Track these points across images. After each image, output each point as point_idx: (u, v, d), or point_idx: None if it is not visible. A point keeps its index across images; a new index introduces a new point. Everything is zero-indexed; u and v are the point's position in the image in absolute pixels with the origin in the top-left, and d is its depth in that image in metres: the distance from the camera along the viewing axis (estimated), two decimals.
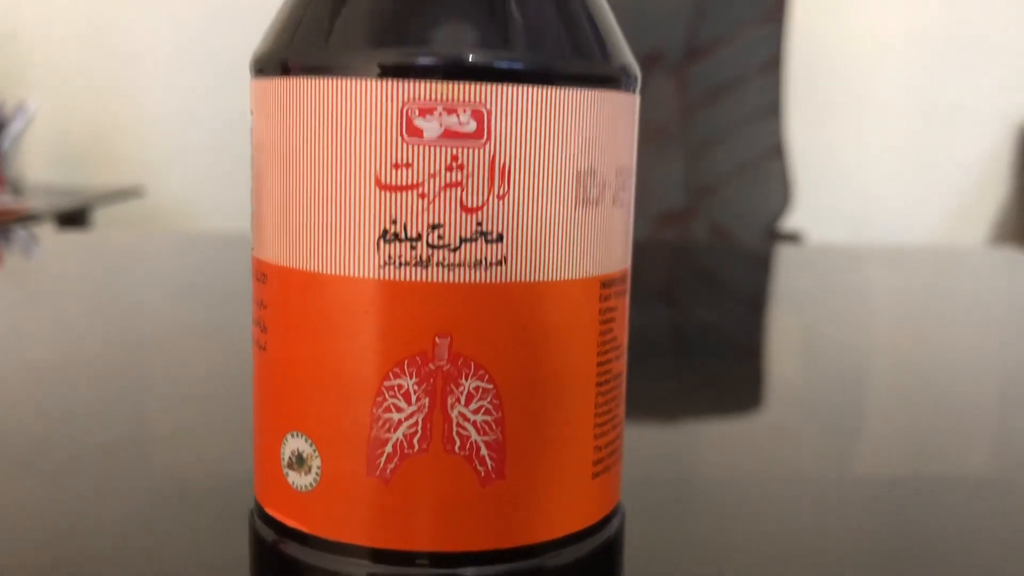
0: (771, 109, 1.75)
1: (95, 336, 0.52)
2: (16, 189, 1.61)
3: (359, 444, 0.20)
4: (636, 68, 0.22)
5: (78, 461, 0.34)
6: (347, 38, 0.19)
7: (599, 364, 0.21)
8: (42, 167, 1.90)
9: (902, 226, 2.26)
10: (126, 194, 1.84)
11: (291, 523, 0.21)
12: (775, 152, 1.73)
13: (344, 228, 0.19)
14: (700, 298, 0.77)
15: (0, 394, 0.41)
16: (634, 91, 0.22)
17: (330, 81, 0.19)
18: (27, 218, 1.53)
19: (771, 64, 1.76)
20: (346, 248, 0.19)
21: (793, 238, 1.83)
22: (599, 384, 0.21)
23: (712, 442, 0.40)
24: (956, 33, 2.25)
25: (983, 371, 0.55)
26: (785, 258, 1.07)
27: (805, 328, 0.65)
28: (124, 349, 0.49)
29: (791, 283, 0.85)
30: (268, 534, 0.22)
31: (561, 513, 0.21)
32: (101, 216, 1.85)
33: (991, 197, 2.33)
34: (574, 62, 0.20)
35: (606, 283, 0.21)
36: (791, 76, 1.80)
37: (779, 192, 1.75)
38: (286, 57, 0.20)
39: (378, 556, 0.20)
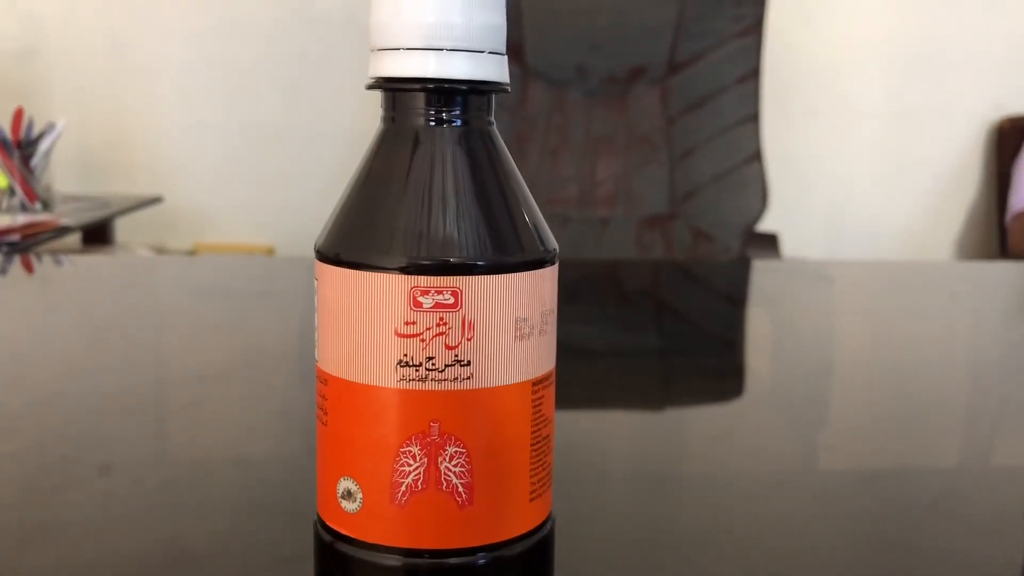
0: (749, 117, 1.85)
1: (142, 355, 0.65)
2: (46, 204, 1.73)
3: (386, 485, 0.33)
4: (554, 245, 0.35)
5: (175, 481, 0.47)
6: (377, 246, 0.32)
7: (532, 432, 0.34)
8: (64, 178, 2.03)
9: (876, 227, 2.37)
10: (144, 203, 1.97)
11: (343, 531, 0.34)
12: (753, 158, 1.84)
13: (377, 358, 0.32)
14: (683, 299, 0.88)
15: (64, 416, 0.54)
16: (553, 263, 0.35)
17: (368, 273, 0.32)
18: (58, 230, 1.65)
19: (749, 74, 1.87)
20: (378, 369, 0.32)
21: (770, 239, 1.94)
22: (532, 444, 0.34)
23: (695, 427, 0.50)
24: (928, 38, 2.36)
25: (947, 369, 0.64)
26: (762, 264, 1.17)
27: (779, 328, 0.74)
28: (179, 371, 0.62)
29: (767, 288, 0.95)
30: (327, 538, 0.35)
31: (510, 524, 0.34)
32: (121, 224, 1.98)
33: (963, 197, 2.45)
34: (514, 256, 0.33)
35: (536, 383, 0.34)
36: (767, 84, 1.90)
37: (757, 196, 1.86)
38: (338, 252, 0.33)
39: (398, 552, 0.33)
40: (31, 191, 1.72)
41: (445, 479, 0.33)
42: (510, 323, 0.33)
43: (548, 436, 0.35)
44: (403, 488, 0.33)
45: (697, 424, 0.53)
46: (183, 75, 2.16)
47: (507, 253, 0.33)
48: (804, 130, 2.31)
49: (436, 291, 0.32)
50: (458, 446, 0.33)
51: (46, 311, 0.80)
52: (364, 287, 0.32)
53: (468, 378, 0.32)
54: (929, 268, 1.29)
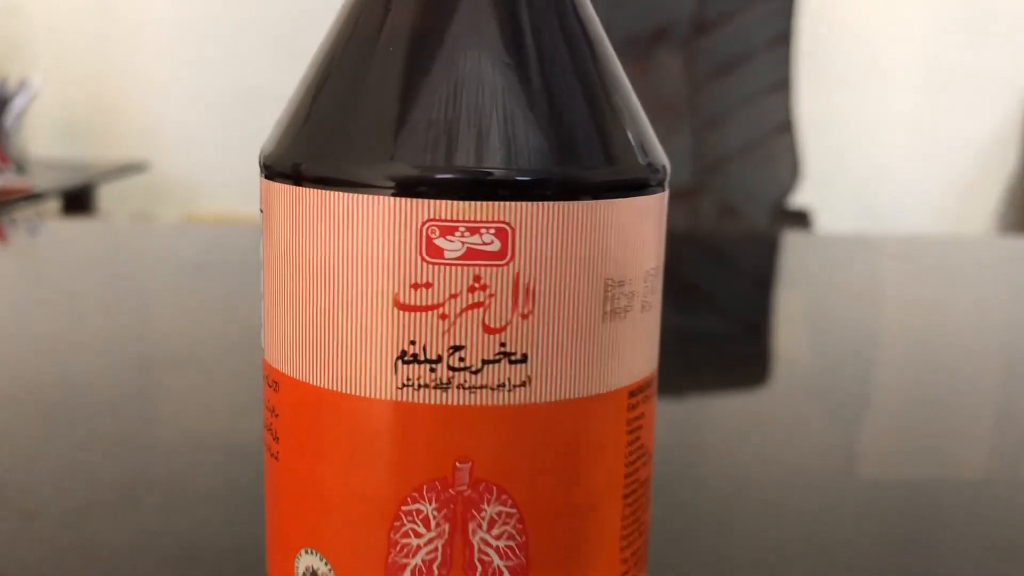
0: (780, 84, 1.71)
1: (101, 330, 0.51)
2: (20, 167, 1.59)
3: (376, 568, 0.19)
4: (664, 161, 0.21)
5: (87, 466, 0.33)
6: (363, 149, 0.18)
7: (626, 475, 0.20)
8: (45, 142, 1.89)
9: (912, 200, 2.23)
10: (129, 169, 1.82)
11: None
12: (784, 128, 1.69)
13: (360, 347, 0.18)
14: (709, 278, 0.76)
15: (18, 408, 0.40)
16: (663, 187, 0.20)
17: (345, 196, 0.18)
18: (32, 196, 1.51)
19: (780, 38, 1.72)
20: (362, 368, 0.18)
21: (801, 215, 1.80)
22: (626, 496, 0.20)
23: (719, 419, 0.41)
24: (967, 4, 2.21)
25: (989, 354, 0.55)
26: (793, 242, 1.07)
27: (812, 309, 0.64)
28: (129, 344, 0.48)
29: (799, 265, 0.84)
30: None
31: None
32: (105, 192, 1.84)
33: (1001, 170, 2.31)
34: (602, 171, 0.19)
35: (634, 391, 0.20)
36: (800, 50, 1.76)
37: (788, 169, 1.71)
38: (298, 163, 0.19)
39: None
40: (3, 153, 1.57)
41: (480, 560, 0.19)
42: (595, 289, 0.19)
43: (646, 482, 0.21)
44: (407, 575, 0.19)
45: (723, 415, 0.43)
46: (171, 35, 2.00)
47: (588, 165, 0.19)
48: (834, 101, 2.16)
49: (468, 228, 0.18)
50: (503, 503, 0.19)
51: (7, 282, 0.66)
52: (339, 221, 0.18)
53: (523, 385, 0.18)
54: (972, 244, 1.18)
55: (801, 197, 1.81)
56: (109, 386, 0.43)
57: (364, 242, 0.18)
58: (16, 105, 1.60)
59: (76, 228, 1.21)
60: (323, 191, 0.18)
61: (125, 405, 0.40)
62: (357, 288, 0.18)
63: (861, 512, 0.32)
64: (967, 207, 2.29)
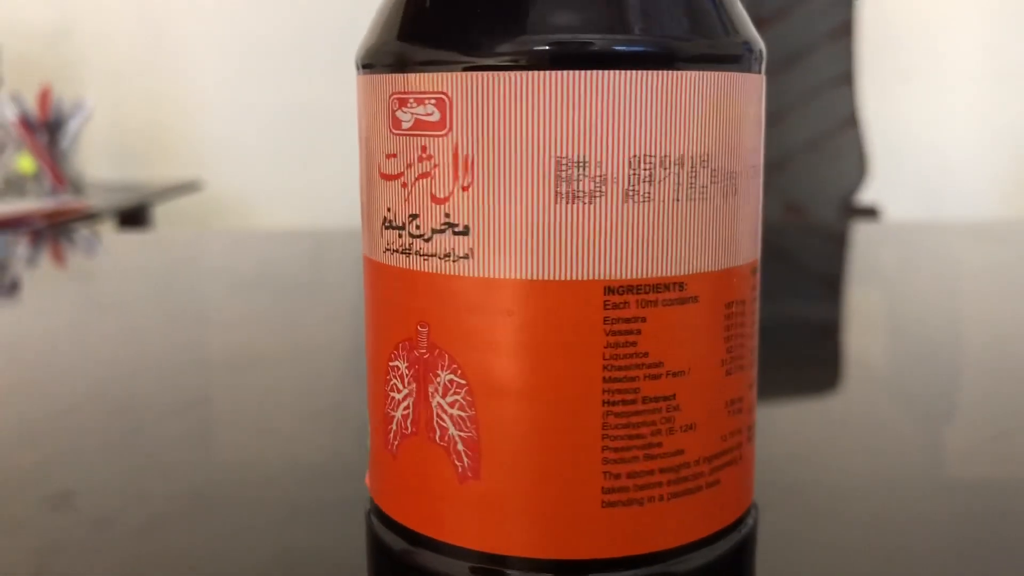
0: (843, 78, 1.40)
1: (162, 341, 0.51)
2: (76, 187, 1.60)
3: (380, 417, 0.21)
4: (670, 37, 0.18)
5: (155, 462, 0.34)
6: (374, 34, 0.20)
7: (607, 380, 0.19)
8: (99, 163, 1.87)
9: (983, 196, 1.94)
10: (183, 189, 1.76)
11: (367, 483, 0.23)
12: (849, 122, 1.39)
13: (367, 212, 0.21)
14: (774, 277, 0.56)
15: (66, 398, 0.41)
16: (663, 65, 0.18)
17: (360, 77, 0.21)
18: (88, 216, 1.49)
19: (842, 30, 1.40)
20: (368, 231, 0.21)
21: (870, 213, 1.48)
22: (608, 403, 0.19)
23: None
24: None
25: None
26: (864, 234, 0.92)
27: (886, 306, 0.61)
28: (191, 353, 0.48)
29: (870, 260, 0.78)
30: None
31: (552, 535, 0.19)
32: (161, 212, 1.78)
33: None
34: (547, 40, 0.18)
35: (615, 289, 0.18)
36: (863, 42, 1.45)
37: (854, 165, 1.42)
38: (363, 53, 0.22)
39: (388, 523, 0.21)
40: (59, 174, 1.56)
41: (439, 424, 0.20)
42: (543, 166, 0.18)
43: (659, 398, 0.19)
44: (394, 426, 0.21)
45: (793, 422, 0.39)
46: (223, 54, 1.87)
47: (534, 31, 0.18)
48: (903, 94, 1.87)
49: (415, 99, 0.19)
50: (455, 373, 0.19)
51: (68, 299, 0.66)
52: (363, 101, 0.21)
53: (465, 256, 0.19)
54: None
55: (869, 194, 1.50)
56: (172, 392, 0.42)
57: (370, 118, 0.20)
58: (71, 127, 1.60)
59: (132, 241, 1.16)
60: (360, 76, 0.21)
61: (189, 411, 0.39)
62: (365, 159, 0.21)
63: (945, 529, 0.28)
64: None
